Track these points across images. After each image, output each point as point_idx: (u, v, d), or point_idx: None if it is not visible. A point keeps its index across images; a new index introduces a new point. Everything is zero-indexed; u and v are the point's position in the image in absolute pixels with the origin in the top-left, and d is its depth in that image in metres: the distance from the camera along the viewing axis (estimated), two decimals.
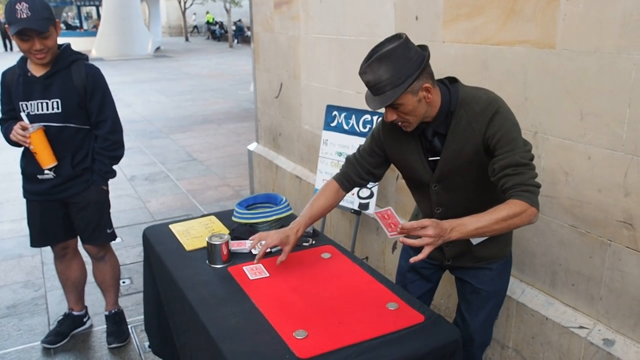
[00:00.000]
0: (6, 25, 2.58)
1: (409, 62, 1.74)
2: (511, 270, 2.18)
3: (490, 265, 2.08)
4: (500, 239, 2.05)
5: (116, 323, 3.25)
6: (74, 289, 3.23)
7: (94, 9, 32.94)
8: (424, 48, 1.83)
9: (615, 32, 2.00)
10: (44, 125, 2.68)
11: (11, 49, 26.60)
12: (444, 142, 1.90)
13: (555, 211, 2.33)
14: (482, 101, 1.84)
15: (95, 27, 27.99)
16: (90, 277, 3.28)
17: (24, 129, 2.62)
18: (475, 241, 2.01)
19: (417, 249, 2.21)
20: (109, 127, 2.84)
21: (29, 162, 2.82)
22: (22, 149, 2.82)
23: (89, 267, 3.24)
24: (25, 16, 2.49)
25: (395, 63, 1.73)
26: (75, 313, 3.28)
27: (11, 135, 2.68)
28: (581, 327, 2.25)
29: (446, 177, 1.94)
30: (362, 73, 1.80)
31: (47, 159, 2.68)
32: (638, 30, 1.92)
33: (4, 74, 2.80)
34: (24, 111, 2.69)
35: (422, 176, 1.99)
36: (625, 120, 2.01)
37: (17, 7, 2.48)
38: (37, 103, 2.70)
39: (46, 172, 2.76)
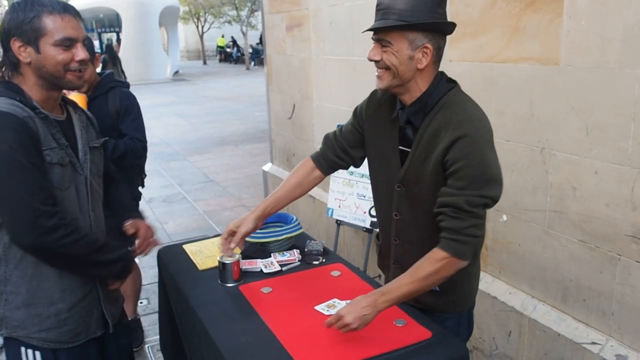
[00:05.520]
0: None
1: (430, 12, 1.60)
2: (467, 323, 1.98)
3: (432, 314, 1.88)
4: (442, 295, 1.87)
5: (131, 330, 3.37)
6: None
7: (114, 35, 33.70)
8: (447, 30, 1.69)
9: (617, 48, 2.02)
10: None
11: None
12: (415, 135, 1.75)
13: (564, 226, 2.34)
14: (462, 115, 1.66)
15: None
16: None
17: None
18: None
19: None
20: (141, 137, 3.01)
21: None
22: None
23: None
24: None
25: (417, 2, 1.58)
26: None
27: None
28: (593, 343, 2.23)
29: (409, 180, 1.78)
30: None
31: None
32: (639, 45, 1.94)
33: None
34: None
35: (390, 166, 1.83)
36: (630, 134, 2.02)
37: None
38: None
39: None
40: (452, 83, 1.78)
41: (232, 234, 2.05)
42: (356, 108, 1.99)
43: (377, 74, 1.71)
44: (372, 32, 1.68)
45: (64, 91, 2.80)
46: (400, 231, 1.88)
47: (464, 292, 1.91)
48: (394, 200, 1.84)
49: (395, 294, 1.67)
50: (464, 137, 1.61)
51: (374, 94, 1.94)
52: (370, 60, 1.70)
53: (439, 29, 1.65)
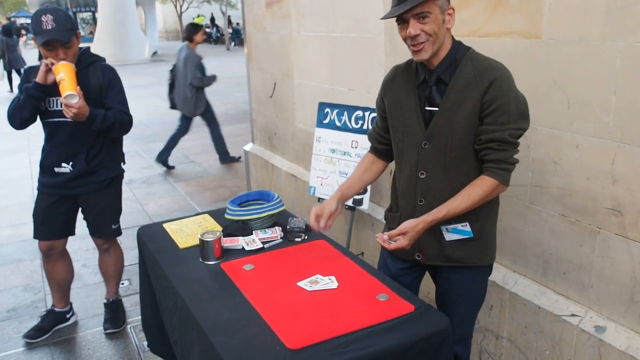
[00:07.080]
0: (33, 37, 2.74)
1: None
2: (488, 277, 2.14)
3: (462, 270, 2.04)
4: (475, 244, 2.01)
5: (113, 310, 3.41)
6: (58, 287, 3.34)
7: (90, 14, 33.03)
8: None
9: (600, 20, 2.01)
10: (63, 120, 2.82)
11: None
12: (443, 94, 1.89)
13: (545, 201, 2.34)
14: (491, 61, 1.89)
15: (92, 32, 28.04)
16: (79, 276, 3.35)
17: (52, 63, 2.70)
18: (448, 237, 1.99)
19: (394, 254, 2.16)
20: (126, 110, 3.00)
21: (47, 155, 2.97)
22: (41, 147, 3.00)
23: (78, 263, 3.29)
24: (50, 27, 2.64)
25: None
26: (57, 309, 3.38)
27: (40, 72, 2.73)
28: (573, 315, 2.26)
29: (439, 133, 1.90)
30: None
31: (70, 86, 2.66)
32: (621, 18, 1.94)
33: (28, 70, 2.94)
34: (49, 107, 2.86)
35: (415, 131, 1.96)
36: (611, 107, 2.02)
37: (42, 18, 2.63)
38: (57, 99, 2.82)
39: (63, 165, 2.92)
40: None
41: (318, 217, 2.13)
42: (376, 101, 2.17)
43: (416, 49, 1.83)
44: (388, 13, 1.82)
45: (50, 60, 2.71)
46: (426, 190, 1.99)
47: (492, 240, 2.07)
48: (420, 159, 1.97)
49: (446, 212, 1.86)
50: (497, 79, 1.81)
51: (383, 81, 2.12)
52: (409, 37, 1.81)
53: None
